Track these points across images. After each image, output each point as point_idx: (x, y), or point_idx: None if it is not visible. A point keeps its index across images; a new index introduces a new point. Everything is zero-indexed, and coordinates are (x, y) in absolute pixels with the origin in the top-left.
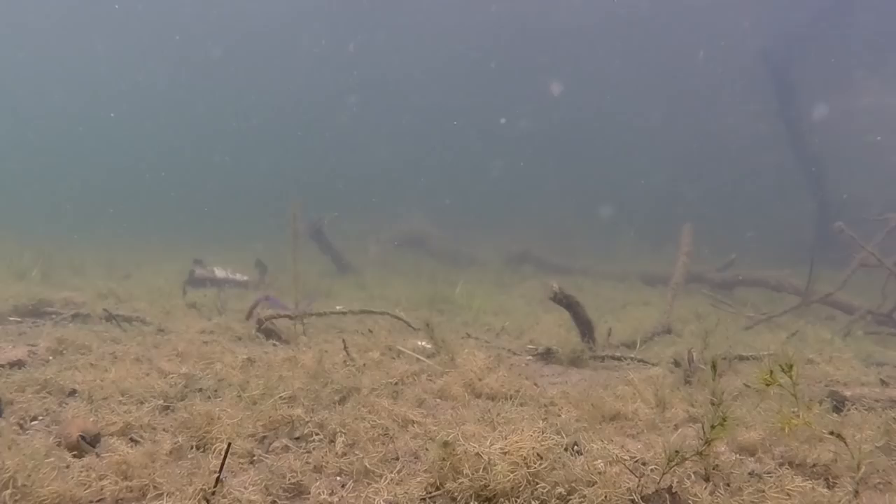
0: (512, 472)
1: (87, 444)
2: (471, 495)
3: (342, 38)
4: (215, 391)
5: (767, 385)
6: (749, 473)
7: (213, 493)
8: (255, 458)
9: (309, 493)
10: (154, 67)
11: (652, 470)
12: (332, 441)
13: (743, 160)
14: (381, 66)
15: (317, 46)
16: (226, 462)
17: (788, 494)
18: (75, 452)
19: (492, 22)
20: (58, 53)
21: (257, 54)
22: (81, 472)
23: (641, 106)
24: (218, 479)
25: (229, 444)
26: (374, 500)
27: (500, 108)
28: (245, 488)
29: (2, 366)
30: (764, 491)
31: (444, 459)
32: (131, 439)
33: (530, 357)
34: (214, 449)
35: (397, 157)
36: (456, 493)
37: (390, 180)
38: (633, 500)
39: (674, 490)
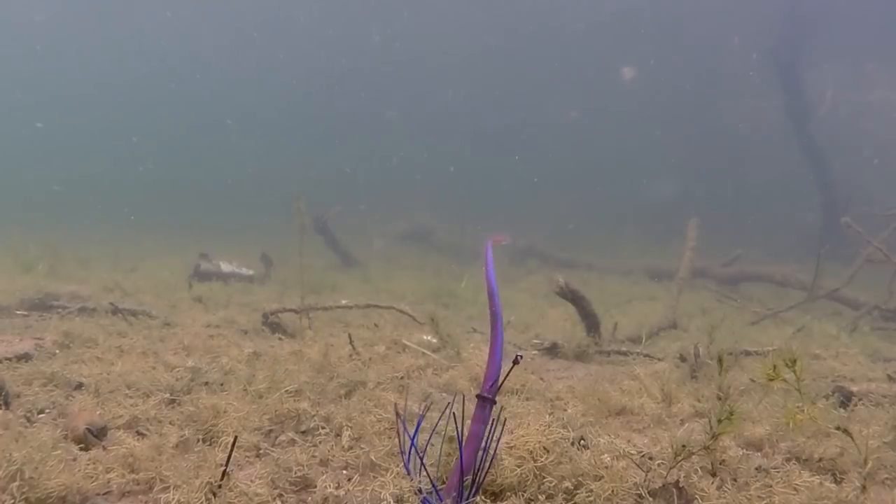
0: (518, 467)
1: (93, 436)
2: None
3: (361, 27)
4: (221, 385)
5: (770, 380)
6: (756, 468)
7: (220, 487)
8: (261, 451)
9: (315, 486)
10: (160, 56)
11: (659, 464)
12: (339, 435)
13: (751, 154)
14: (392, 58)
15: (329, 35)
16: (232, 455)
17: (796, 489)
18: (82, 445)
19: (510, 17)
20: (61, 42)
21: (264, 44)
22: (88, 464)
23: (647, 100)
24: (224, 473)
25: (235, 438)
26: (381, 493)
27: (500, 105)
28: (252, 481)
29: (9, 359)
30: (771, 486)
31: (449, 454)
32: (138, 432)
33: (536, 351)
34: (221, 442)
35: (409, 153)
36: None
37: (399, 175)
38: (640, 495)
39: (681, 485)
